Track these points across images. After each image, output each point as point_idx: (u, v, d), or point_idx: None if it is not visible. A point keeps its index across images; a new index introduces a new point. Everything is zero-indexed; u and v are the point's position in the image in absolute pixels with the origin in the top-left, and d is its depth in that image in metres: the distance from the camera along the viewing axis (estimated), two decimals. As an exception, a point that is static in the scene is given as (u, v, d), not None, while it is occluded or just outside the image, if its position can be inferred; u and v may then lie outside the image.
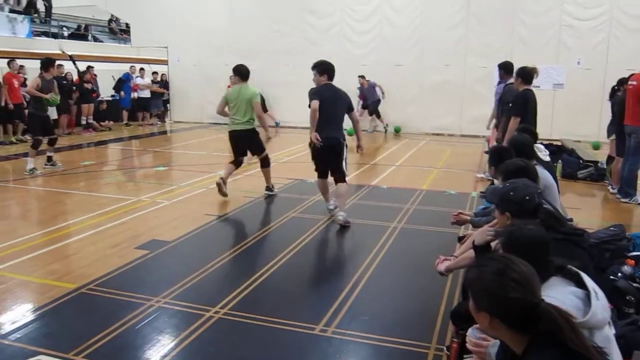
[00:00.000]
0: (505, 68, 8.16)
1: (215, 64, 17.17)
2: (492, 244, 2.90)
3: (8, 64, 12.93)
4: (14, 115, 12.95)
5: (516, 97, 6.87)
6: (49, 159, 9.56)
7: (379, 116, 15.34)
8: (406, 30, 15.25)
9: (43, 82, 9.08)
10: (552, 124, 13.30)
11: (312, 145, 6.15)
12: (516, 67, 7.40)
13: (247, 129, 7.37)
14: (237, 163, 7.59)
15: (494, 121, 8.86)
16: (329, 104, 6.03)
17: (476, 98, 14.18)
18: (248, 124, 7.35)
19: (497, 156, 3.95)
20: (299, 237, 5.69)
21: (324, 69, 6.23)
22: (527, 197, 2.67)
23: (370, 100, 15.14)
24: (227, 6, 16.94)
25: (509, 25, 14.22)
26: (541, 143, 5.61)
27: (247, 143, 7.50)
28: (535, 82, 7.16)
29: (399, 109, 15.47)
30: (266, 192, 7.63)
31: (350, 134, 7.23)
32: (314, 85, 6.30)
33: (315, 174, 6.46)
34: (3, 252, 5.20)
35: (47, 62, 9.31)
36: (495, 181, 4.25)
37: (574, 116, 13.55)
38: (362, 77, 14.93)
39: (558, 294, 1.92)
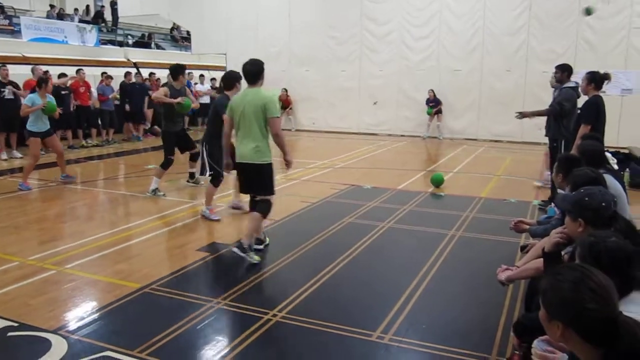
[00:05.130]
0: (569, 70, 7.29)
1: (271, 70, 17.43)
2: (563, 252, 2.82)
3: (77, 72, 13.55)
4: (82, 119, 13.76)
5: (587, 103, 6.59)
6: (192, 175, 8.84)
7: None
8: (465, 35, 15.05)
9: (172, 91, 7.84)
10: (619, 131, 12.73)
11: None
12: (581, 72, 7.08)
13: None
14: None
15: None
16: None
17: (538, 104, 13.68)
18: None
19: (566, 165, 3.80)
20: (356, 243, 5.69)
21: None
22: (604, 204, 2.57)
23: None
24: (285, 14, 17.19)
25: (573, 28, 13.77)
26: (607, 151, 5.39)
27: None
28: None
29: (456, 116, 15.27)
30: (256, 245, 5.35)
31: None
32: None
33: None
34: (73, 252, 5.45)
35: (177, 70, 7.96)
36: (560, 190, 4.13)
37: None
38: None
39: None
